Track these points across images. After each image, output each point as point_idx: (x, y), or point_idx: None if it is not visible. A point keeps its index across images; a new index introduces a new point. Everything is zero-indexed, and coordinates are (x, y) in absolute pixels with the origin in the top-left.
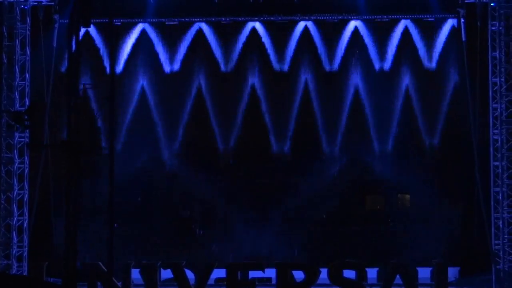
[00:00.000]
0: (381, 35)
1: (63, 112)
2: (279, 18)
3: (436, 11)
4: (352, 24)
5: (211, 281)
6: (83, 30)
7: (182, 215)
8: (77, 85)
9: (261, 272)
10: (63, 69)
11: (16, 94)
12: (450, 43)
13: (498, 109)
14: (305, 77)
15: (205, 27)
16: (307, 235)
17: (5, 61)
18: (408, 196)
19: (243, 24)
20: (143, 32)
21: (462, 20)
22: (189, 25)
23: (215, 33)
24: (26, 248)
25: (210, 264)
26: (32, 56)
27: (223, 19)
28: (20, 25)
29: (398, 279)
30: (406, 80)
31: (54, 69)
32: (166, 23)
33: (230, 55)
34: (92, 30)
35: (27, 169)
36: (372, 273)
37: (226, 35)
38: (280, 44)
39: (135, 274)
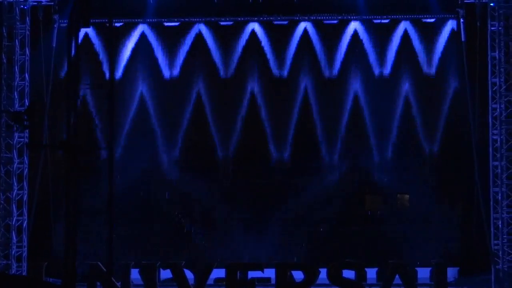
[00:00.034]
0: (381, 39)
1: (63, 113)
2: (279, 17)
3: (435, 11)
4: (352, 28)
5: (210, 281)
6: (82, 32)
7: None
8: (77, 86)
9: (260, 272)
10: (62, 73)
11: (16, 94)
12: (449, 47)
13: (498, 109)
14: (304, 84)
15: (204, 30)
16: (307, 235)
17: (4, 61)
18: (407, 196)
19: (242, 26)
20: (143, 36)
21: (461, 20)
22: (189, 26)
23: (215, 37)
24: (26, 248)
25: (210, 264)
26: (31, 56)
27: (223, 19)
28: (19, 25)
29: (397, 279)
30: (406, 86)
31: (53, 70)
32: (165, 24)
33: (230, 60)
34: (91, 33)
35: (26, 169)
36: (371, 273)
37: (226, 39)
38: (279, 49)
39: (135, 274)
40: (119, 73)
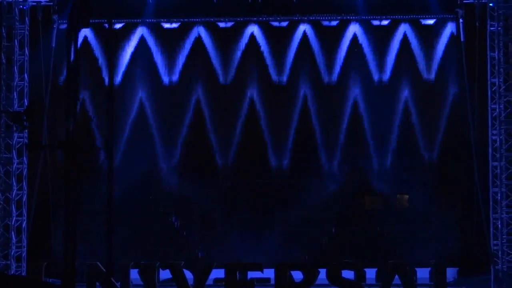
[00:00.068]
0: (380, 44)
1: (62, 113)
2: (278, 18)
3: (435, 11)
4: (351, 31)
5: (209, 281)
6: (81, 37)
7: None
8: (76, 88)
9: (259, 272)
10: (62, 75)
11: (15, 94)
12: (449, 52)
13: (497, 110)
14: (304, 89)
15: (203, 33)
16: (307, 235)
17: (4, 61)
18: (407, 196)
19: (242, 29)
20: (142, 40)
21: (460, 20)
22: (188, 29)
23: (214, 40)
24: (25, 249)
25: (209, 264)
26: (31, 57)
27: (222, 19)
28: (19, 25)
29: (397, 279)
30: (405, 92)
31: (53, 70)
32: (165, 27)
33: (229, 65)
34: (90, 37)
35: (25, 169)
36: (371, 273)
37: (225, 42)
38: (278, 54)
39: (134, 274)
40: (118, 78)
